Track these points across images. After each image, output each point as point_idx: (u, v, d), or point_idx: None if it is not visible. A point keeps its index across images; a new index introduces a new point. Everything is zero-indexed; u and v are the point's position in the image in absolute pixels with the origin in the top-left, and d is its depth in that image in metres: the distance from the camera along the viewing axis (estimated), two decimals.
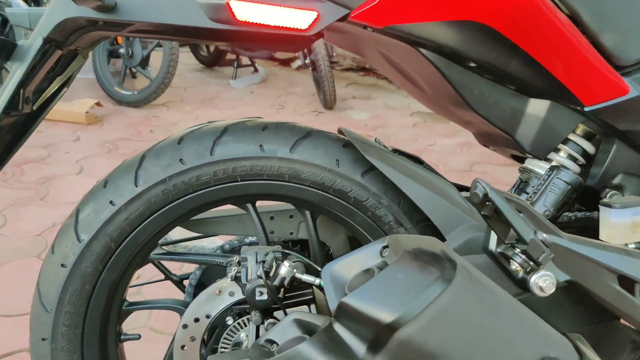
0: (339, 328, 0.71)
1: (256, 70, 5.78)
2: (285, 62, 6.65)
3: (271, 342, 0.79)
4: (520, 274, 0.79)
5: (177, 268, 2.05)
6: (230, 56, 5.87)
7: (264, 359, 0.73)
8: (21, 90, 0.94)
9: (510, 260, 0.78)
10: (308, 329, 0.77)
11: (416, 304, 0.65)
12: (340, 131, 1.04)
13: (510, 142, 1.01)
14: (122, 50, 4.28)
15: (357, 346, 0.69)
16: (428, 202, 0.94)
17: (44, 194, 2.77)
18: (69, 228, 0.97)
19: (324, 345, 0.69)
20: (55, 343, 0.97)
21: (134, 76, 5.21)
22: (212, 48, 6.10)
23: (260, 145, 0.96)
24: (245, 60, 5.84)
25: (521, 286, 0.81)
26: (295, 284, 0.97)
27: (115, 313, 1.03)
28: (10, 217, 2.51)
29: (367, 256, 0.77)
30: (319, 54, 4.30)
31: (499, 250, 0.80)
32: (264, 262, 0.93)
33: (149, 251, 1.03)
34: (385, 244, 0.76)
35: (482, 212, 0.77)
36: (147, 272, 1.90)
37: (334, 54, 4.49)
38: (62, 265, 0.96)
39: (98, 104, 4.03)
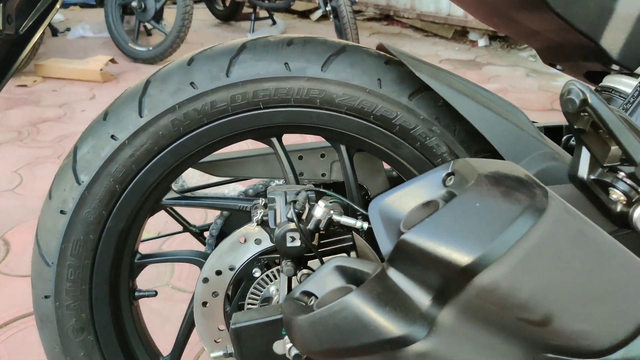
0: (394, 275, 0.56)
1: (274, 23, 5.54)
2: (305, 14, 6.37)
3: (308, 294, 0.64)
4: (620, 206, 0.63)
5: (200, 221, 1.94)
6: (247, 10, 5.63)
7: (301, 314, 0.59)
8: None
9: (610, 189, 0.62)
10: (354, 278, 0.62)
11: (502, 240, 0.49)
12: (380, 48, 0.87)
13: (591, 52, 0.82)
14: (134, 4, 4.09)
15: (420, 296, 0.54)
16: (492, 126, 0.77)
17: (60, 153, 2.66)
18: (67, 169, 0.83)
19: (377, 295, 0.54)
20: (59, 301, 0.85)
21: (148, 34, 5.05)
22: (227, 2, 5.86)
23: (286, 64, 0.80)
24: (263, 13, 5.60)
25: (618, 222, 0.65)
26: (331, 229, 0.82)
27: (126, 267, 0.91)
28: (26, 176, 2.42)
29: (425, 186, 0.61)
30: None
31: (592, 176, 0.63)
32: (294, 202, 0.78)
33: (161, 196, 0.89)
34: (449, 171, 0.60)
35: (575, 126, 0.60)
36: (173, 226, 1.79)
37: (357, 0, 4.22)
38: (62, 211, 0.82)
39: (112, 60, 3.88)
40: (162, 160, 0.82)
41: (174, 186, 0.92)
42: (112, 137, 0.80)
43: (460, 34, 5.26)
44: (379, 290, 0.55)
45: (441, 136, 0.82)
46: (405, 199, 0.61)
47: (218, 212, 1.04)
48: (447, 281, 0.51)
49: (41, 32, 0.92)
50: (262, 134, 0.86)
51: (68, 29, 5.18)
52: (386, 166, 1.04)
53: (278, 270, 0.87)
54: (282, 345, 0.75)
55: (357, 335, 0.54)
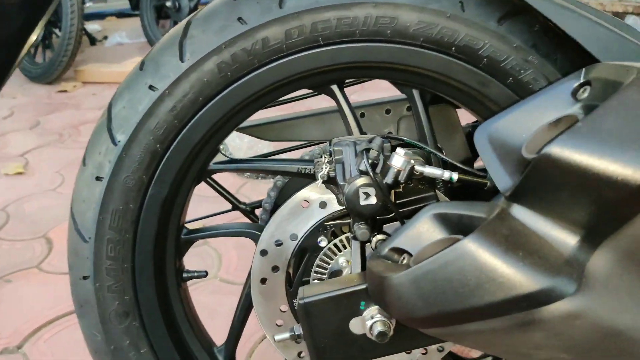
0: (521, 212, 0.42)
1: None
2: None
3: (399, 251, 0.51)
4: None
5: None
6: None
7: (394, 273, 0.46)
8: None
9: None
10: (460, 228, 0.48)
11: None
12: None
13: None
14: (168, 4, 4.08)
15: (562, 237, 0.40)
16: (610, 48, 0.62)
17: None
18: (101, 129, 0.73)
19: (504, 239, 0.41)
20: (99, 281, 0.74)
21: None
22: None
23: None
24: None
25: None
26: (410, 185, 0.69)
27: (172, 243, 0.79)
28: (68, 176, 2.38)
29: (549, 103, 0.47)
30: None
31: None
32: (368, 150, 0.65)
33: (208, 159, 0.78)
34: (582, 80, 0.46)
35: None
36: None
37: None
38: (97, 178, 0.72)
39: None
40: (208, 114, 0.71)
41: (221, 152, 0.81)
42: (151, 87, 0.69)
43: None
44: (505, 233, 0.41)
45: (540, 68, 0.67)
46: (523, 120, 0.47)
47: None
48: (606, 210, 0.37)
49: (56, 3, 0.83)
50: (321, 80, 0.74)
51: (105, 37, 5.23)
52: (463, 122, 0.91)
53: (348, 239, 0.74)
54: (361, 323, 0.62)
55: (479, 292, 0.40)
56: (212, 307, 1.47)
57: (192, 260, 1.67)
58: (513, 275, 0.39)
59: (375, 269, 0.50)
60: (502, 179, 0.45)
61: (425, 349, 0.78)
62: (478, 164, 0.84)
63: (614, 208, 0.37)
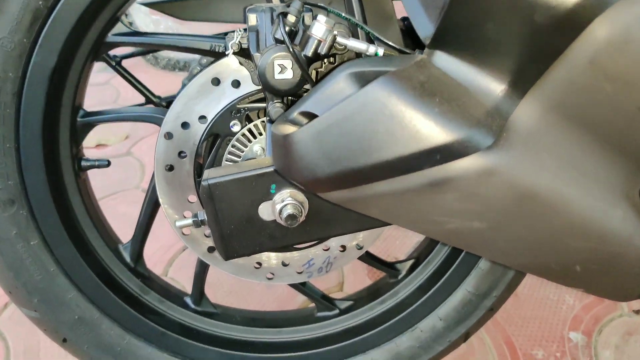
0: (443, 59, 0.36)
1: None
2: None
3: (309, 116, 0.45)
4: None
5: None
6: None
7: (294, 130, 0.40)
8: None
9: None
10: None
11: None
12: None
13: None
14: None
15: (486, 85, 0.35)
16: None
17: None
18: None
19: (420, 84, 0.35)
20: None
21: None
22: None
23: None
24: None
25: None
26: (334, 63, 0.63)
27: (66, 125, 0.70)
28: None
29: None
30: None
31: None
32: (285, 15, 0.57)
33: (105, 29, 0.67)
34: None
35: None
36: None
37: None
38: None
39: None
40: None
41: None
42: None
43: None
44: (422, 79, 0.36)
45: None
46: None
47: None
48: (536, 43, 0.32)
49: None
50: None
51: None
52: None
53: (264, 125, 0.67)
54: (271, 208, 0.57)
55: (389, 144, 0.35)
56: (133, 217, 1.39)
57: (113, 169, 1.56)
58: (427, 124, 0.34)
59: (278, 132, 0.44)
60: (425, 26, 0.39)
61: (344, 247, 0.75)
62: None
63: (545, 38, 0.32)
